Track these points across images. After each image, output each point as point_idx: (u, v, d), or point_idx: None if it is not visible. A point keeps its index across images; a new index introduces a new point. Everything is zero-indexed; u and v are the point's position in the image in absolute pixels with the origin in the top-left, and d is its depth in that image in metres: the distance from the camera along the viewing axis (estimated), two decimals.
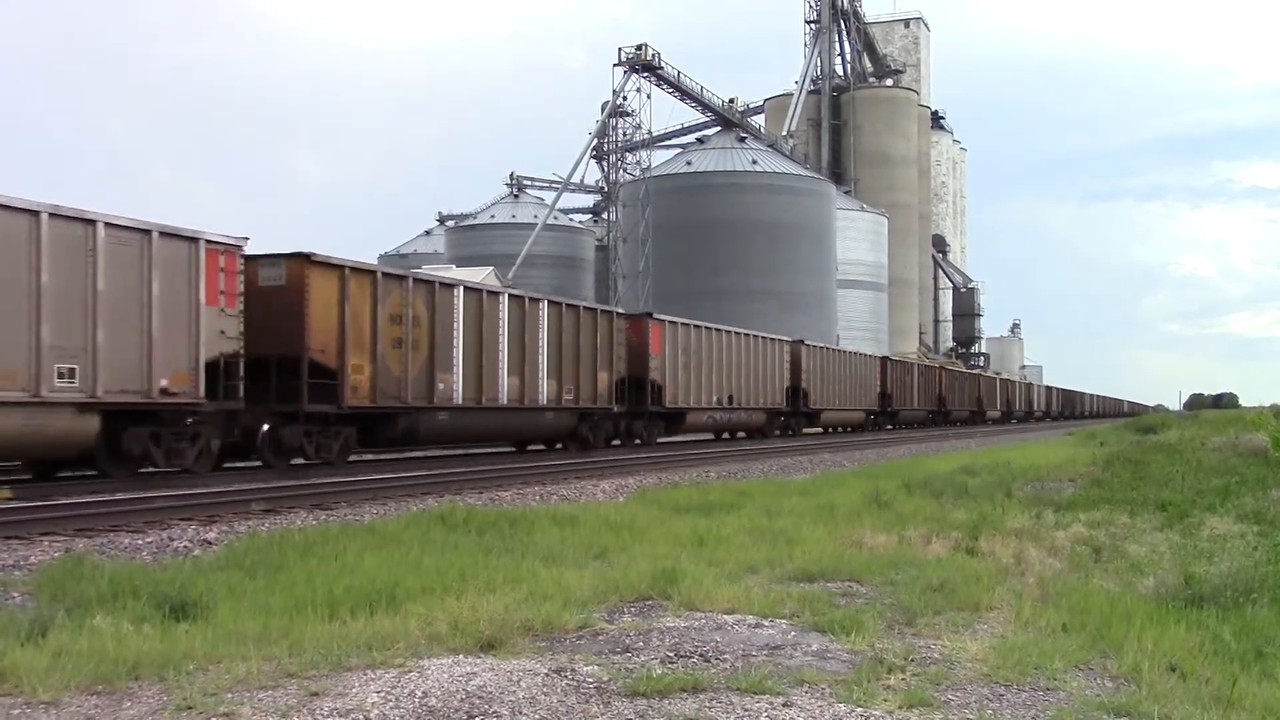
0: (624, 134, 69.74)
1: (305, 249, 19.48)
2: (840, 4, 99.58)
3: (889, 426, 54.97)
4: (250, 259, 18.79)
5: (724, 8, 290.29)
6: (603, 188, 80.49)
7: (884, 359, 56.16)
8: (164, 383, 16.75)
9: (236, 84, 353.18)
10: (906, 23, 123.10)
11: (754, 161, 73.15)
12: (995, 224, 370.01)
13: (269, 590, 7.84)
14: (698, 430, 36.36)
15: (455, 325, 23.21)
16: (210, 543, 11.10)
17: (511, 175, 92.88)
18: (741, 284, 68.07)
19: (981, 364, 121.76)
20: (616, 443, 31.00)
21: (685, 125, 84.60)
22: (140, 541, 11.01)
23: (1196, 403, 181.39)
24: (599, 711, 5.19)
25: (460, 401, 23.24)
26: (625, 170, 71.32)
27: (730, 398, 36.38)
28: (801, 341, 43.67)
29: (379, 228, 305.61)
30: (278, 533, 10.99)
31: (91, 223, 15.75)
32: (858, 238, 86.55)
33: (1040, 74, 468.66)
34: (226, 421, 18.29)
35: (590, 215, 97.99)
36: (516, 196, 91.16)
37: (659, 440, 33.13)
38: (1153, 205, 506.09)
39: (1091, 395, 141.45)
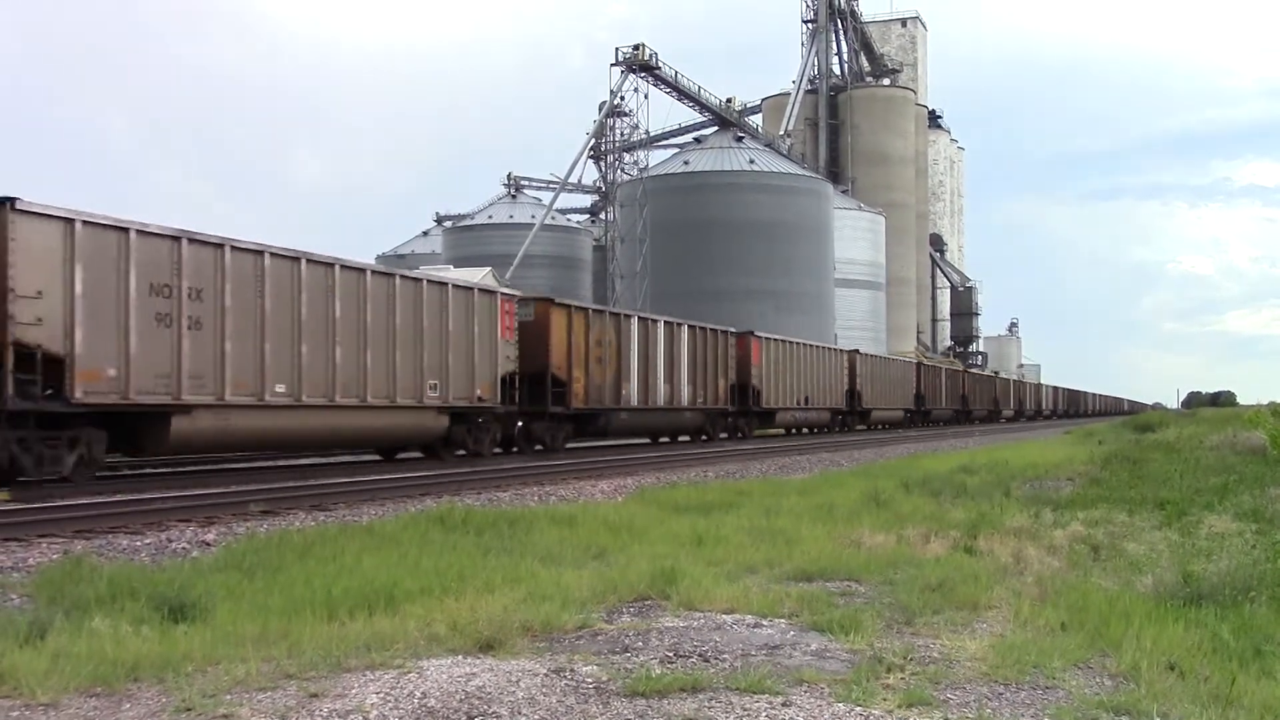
0: (622, 134, 69.76)
1: (545, 294, 27.24)
2: (837, 3, 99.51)
3: (921, 424, 59.65)
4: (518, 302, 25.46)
5: (721, 7, 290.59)
6: (600, 188, 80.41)
7: (918, 364, 60.73)
8: (479, 392, 23.66)
9: (235, 83, 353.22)
10: (904, 22, 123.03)
11: (751, 161, 73.14)
12: (993, 223, 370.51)
13: (268, 591, 7.84)
14: (784, 426, 43.47)
15: (631, 346, 29.98)
16: (209, 544, 11.09)
17: (509, 175, 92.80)
18: (739, 284, 68.05)
19: (979, 363, 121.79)
20: (724, 435, 37.22)
21: (683, 125, 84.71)
22: (139, 543, 11.00)
23: (1194, 401, 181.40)
24: (598, 712, 5.19)
25: (635, 404, 30.13)
26: (623, 170, 71.32)
27: (807, 399, 43.39)
28: (857, 351, 51.36)
29: (377, 228, 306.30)
30: (276, 534, 10.98)
31: (444, 285, 23.26)
32: (855, 237, 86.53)
33: (1038, 73, 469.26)
34: (508, 420, 25.35)
35: (588, 215, 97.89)
36: (514, 196, 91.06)
37: (754, 434, 39.44)
38: (1151, 204, 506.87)
39: (1094, 395, 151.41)
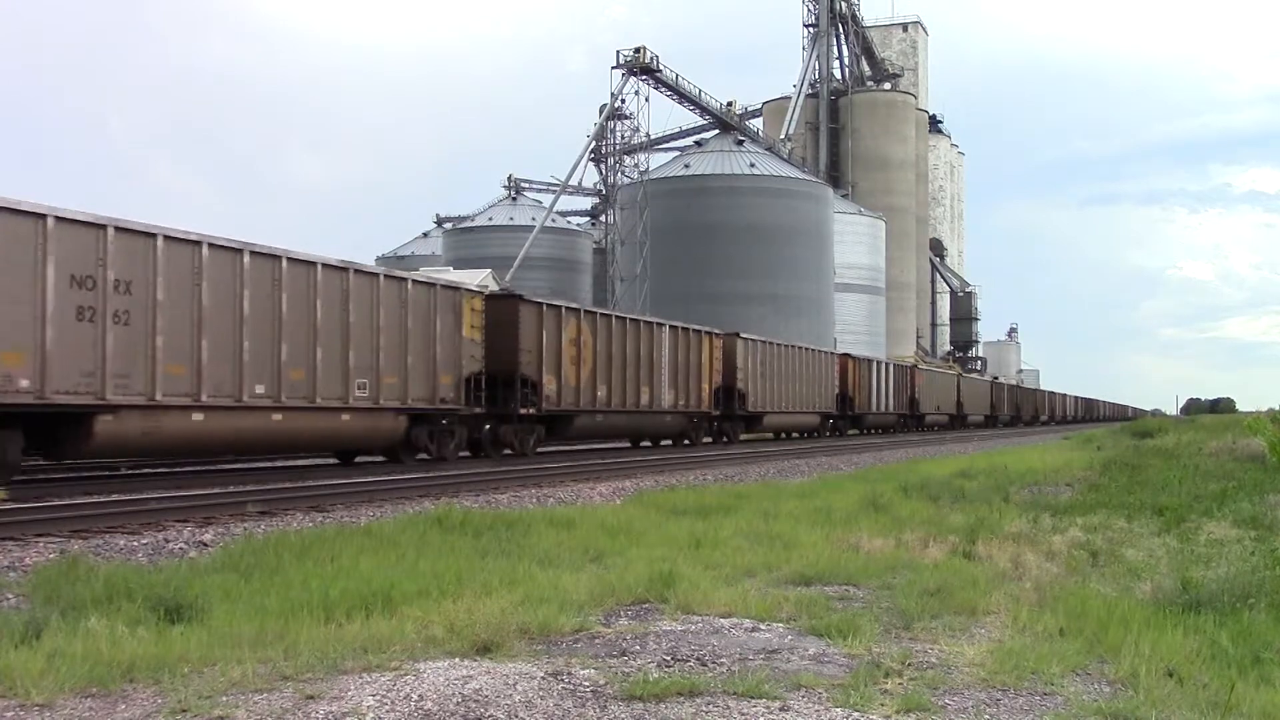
0: (622, 137, 69.75)
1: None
2: (839, 8, 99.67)
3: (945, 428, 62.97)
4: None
5: (722, 11, 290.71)
6: (601, 190, 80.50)
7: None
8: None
9: (235, 84, 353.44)
10: (905, 26, 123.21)
11: (752, 165, 73.17)
12: (993, 228, 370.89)
13: (264, 592, 7.82)
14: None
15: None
16: (206, 545, 11.08)
17: (509, 177, 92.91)
18: (739, 287, 68.07)
19: (979, 368, 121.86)
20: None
21: (683, 128, 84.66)
22: (136, 543, 10.98)
23: (1194, 407, 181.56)
24: (595, 715, 5.18)
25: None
26: (623, 173, 71.31)
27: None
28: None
29: (377, 229, 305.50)
30: (273, 535, 10.97)
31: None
32: (855, 241, 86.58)
33: (1038, 78, 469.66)
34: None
35: (588, 218, 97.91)
36: (514, 199, 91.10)
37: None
38: (1151, 209, 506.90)
39: (1105, 402, 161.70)
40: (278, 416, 18.66)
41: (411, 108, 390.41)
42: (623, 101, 67.72)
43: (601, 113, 70.04)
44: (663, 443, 34.48)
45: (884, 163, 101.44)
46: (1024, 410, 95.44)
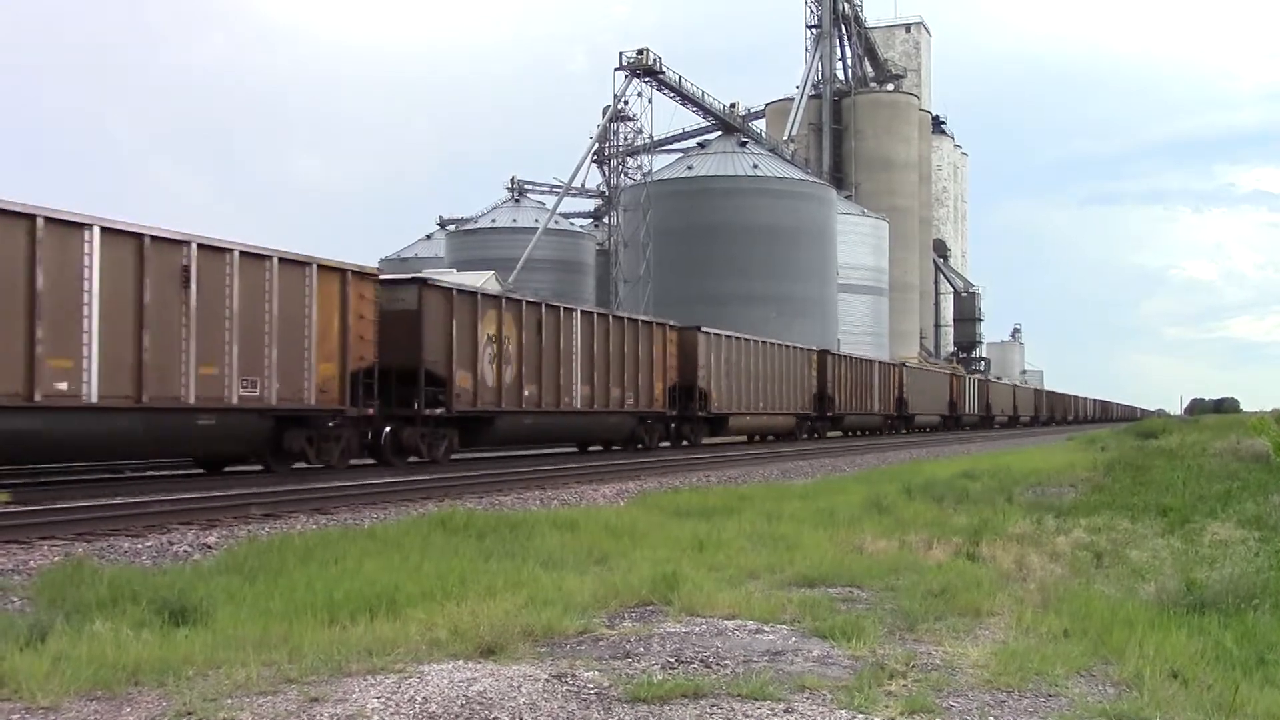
0: (625, 138, 69.79)
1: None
2: (841, 9, 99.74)
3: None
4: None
5: (725, 12, 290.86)
6: (604, 192, 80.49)
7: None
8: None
9: (237, 85, 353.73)
10: (908, 27, 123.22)
11: (755, 166, 73.18)
12: (996, 228, 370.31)
13: (269, 595, 7.83)
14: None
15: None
16: (210, 547, 11.09)
17: (512, 179, 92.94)
18: (742, 289, 68.08)
19: (982, 369, 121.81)
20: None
21: (686, 130, 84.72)
22: (140, 546, 10.99)
23: (1198, 407, 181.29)
24: (599, 717, 5.18)
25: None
26: (626, 175, 71.35)
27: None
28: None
29: (380, 231, 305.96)
30: (278, 537, 10.98)
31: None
32: (858, 242, 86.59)
33: (1041, 78, 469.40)
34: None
35: (591, 220, 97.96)
36: (517, 200, 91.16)
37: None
38: (1154, 209, 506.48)
39: (1117, 404, 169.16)
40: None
41: (414, 109, 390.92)
42: (625, 103, 67.79)
43: (604, 114, 70.06)
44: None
45: (887, 164, 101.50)
46: (1056, 412, 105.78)
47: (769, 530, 12.22)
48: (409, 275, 22.77)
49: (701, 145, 78.95)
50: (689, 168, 74.45)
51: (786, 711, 5.28)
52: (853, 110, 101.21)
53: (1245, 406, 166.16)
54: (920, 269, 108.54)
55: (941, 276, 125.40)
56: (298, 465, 19.83)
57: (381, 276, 21.83)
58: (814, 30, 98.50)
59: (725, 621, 7.40)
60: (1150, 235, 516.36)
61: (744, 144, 76.71)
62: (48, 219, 15.07)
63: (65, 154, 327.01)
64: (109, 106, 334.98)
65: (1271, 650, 6.99)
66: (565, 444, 30.57)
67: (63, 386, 15.25)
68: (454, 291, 23.11)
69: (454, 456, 23.52)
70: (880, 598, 8.44)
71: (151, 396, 16.40)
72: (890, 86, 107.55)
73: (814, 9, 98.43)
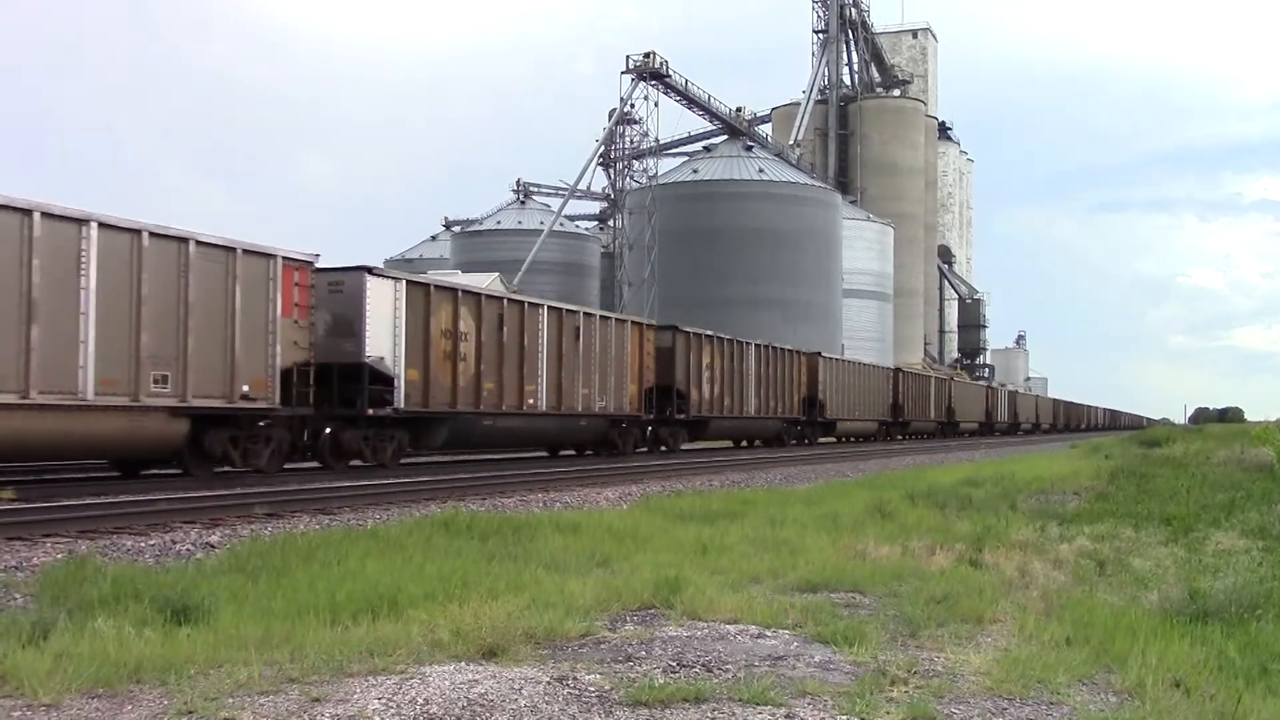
0: (631, 141, 69.95)
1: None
2: (848, 14, 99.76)
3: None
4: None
5: (731, 17, 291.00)
6: (609, 195, 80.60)
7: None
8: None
9: (244, 86, 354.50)
10: (914, 33, 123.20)
11: (760, 170, 73.21)
12: (1001, 235, 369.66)
13: (271, 595, 7.83)
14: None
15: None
16: (213, 546, 11.10)
17: (518, 181, 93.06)
18: (747, 293, 68.10)
19: (987, 375, 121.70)
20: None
21: (692, 133, 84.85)
22: (143, 544, 11.00)
23: (1202, 416, 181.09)
24: None
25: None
26: (632, 178, 71.45)
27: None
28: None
29: (385, 232, 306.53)
30: (280, 537, 10.98)
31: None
32: (864, 247, 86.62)
33: (1048, 85, 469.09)
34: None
35: (596, 222, 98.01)
36: (523, 203, 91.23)
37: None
38: (1160, 217, 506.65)
39: (1126, 413, 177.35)
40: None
41: (420, 111, 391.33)
42: (632, 106, 67.97)
43: (611, 117, 70.19)
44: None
45: (893, 169, 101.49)
46: (1071, 420, 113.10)
47: (772, 535, 12.20)
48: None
49: (707, 149, 79.08)
50: (694, 171, 74.50)
51: (788, 717, 5.27)
52: (859, 115, 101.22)
53: (1250, 416, 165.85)
54: (925, 275, 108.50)
55: (946, 282, 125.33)
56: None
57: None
58: (821, 35, 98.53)
59: (727, 626, 7.39)
60: (1156, 243, 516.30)
61: (750, 148, 76.77)
62: None
63: (68, 153, 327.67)
64: (114, 107, 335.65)
65: (1275, 660, 6.97)
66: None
67: None
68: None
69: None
70: (882, 604, 8.43)
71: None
72: (896, 92, 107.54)
73: (821, 14, 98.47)
